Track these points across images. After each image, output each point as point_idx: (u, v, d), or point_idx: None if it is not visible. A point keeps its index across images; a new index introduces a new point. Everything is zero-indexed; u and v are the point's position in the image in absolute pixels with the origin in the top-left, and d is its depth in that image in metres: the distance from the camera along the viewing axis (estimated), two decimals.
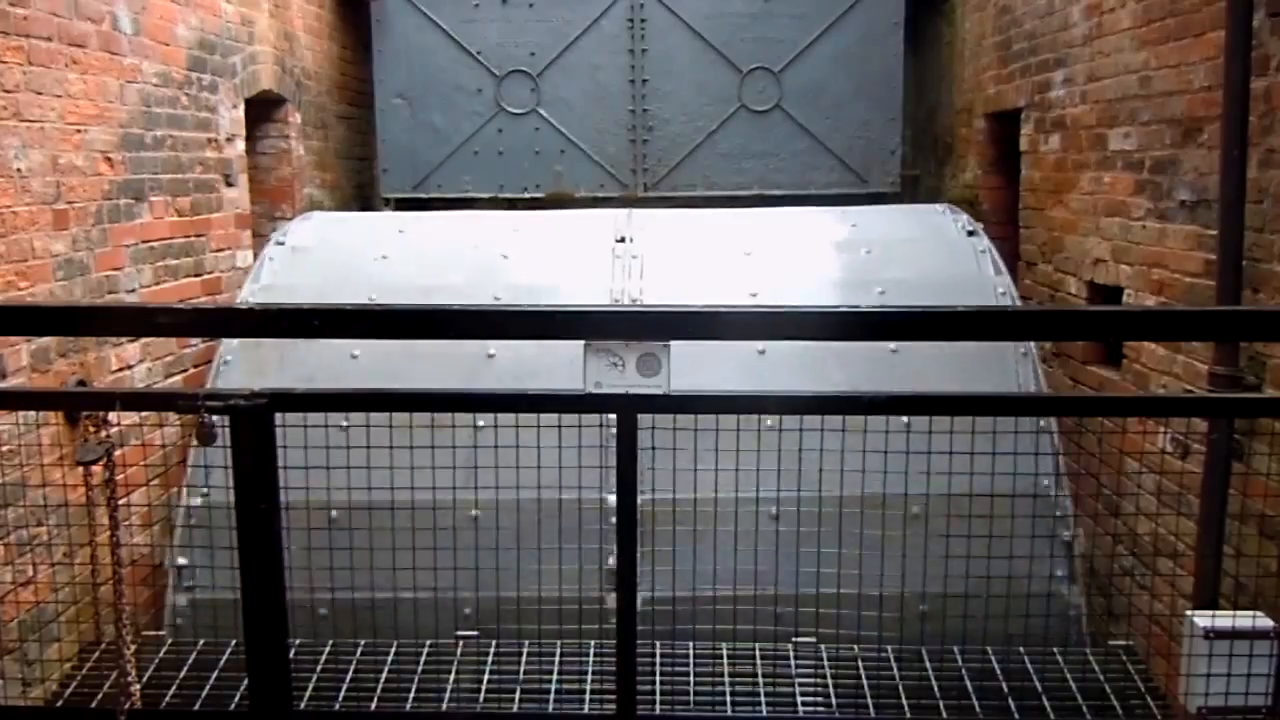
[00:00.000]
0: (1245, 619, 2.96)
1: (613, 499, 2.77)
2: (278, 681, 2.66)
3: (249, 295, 5.35)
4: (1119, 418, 3.74)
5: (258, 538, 2.57)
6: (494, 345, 4.91)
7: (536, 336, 3.22)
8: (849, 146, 7.91)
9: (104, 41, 4.53)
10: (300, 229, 5.94)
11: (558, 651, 4.27)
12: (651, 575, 4.28)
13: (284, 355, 4.94)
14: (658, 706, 3.93)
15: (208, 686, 4.10)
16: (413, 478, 3.31)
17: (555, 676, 4.17)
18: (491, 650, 4.25)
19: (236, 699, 3.85)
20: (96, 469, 2.71)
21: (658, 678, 4.10)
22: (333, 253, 5.72)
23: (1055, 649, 4.31)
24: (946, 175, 7.92)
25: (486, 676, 4.16)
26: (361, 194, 8.38)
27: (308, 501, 3.40)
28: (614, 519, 2.73)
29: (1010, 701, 3.98)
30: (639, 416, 2.64)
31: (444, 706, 3.95)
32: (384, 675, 4.16)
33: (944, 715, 3.96)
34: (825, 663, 4.25)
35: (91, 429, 2.68)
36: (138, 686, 2.87)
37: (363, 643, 4.25)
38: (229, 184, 5.77)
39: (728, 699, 4.05)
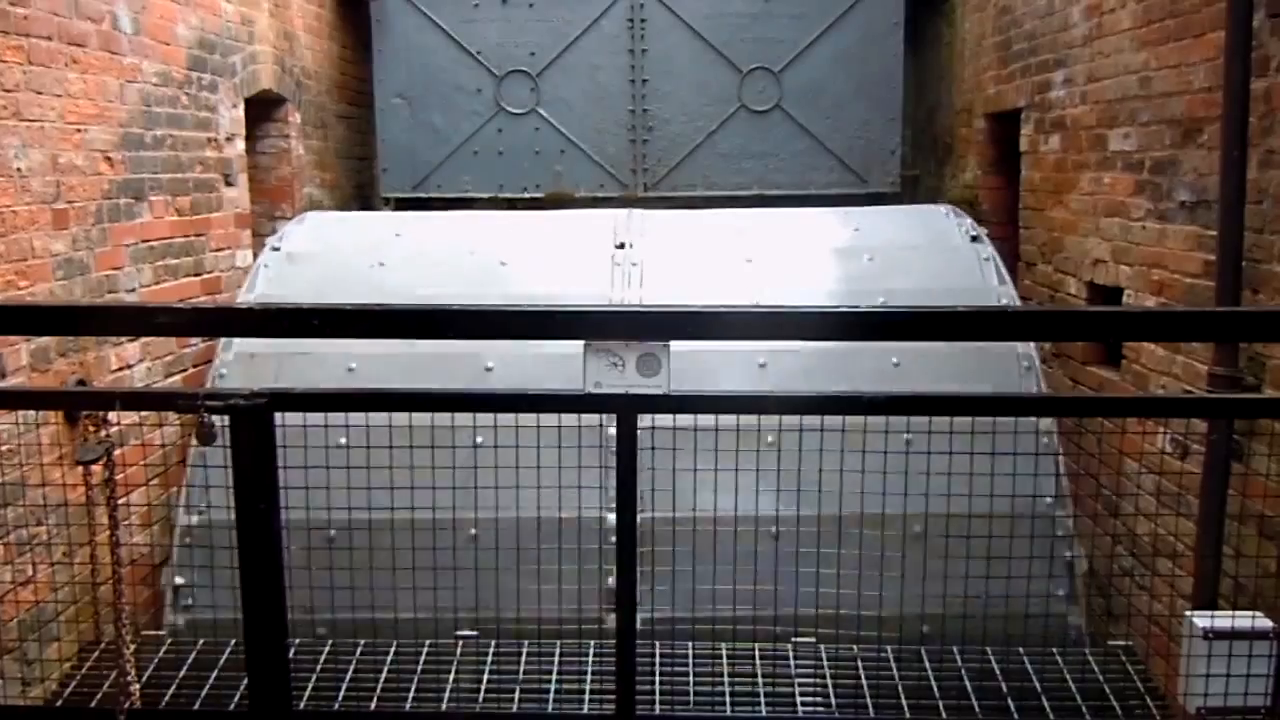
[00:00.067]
0: (1244, 619, 2.96)
1: (612, 517, 2.77)
2: (277, 681, 2.66)
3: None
4: (1118, 418, 3.74)
5: (257, 537, 2.57)
6: (492, 359, 4.89)
7: (536, 336, 3.22)
8: (849, 146, 7.91)
9: (104, 41, 4.53)
10: (296, 233, 5.91)
11: (557, 651, 4.27)
12: (651, 593, 4.29)
13: (280, 368, 4.91)
14: (657, 706, 3.93)
15: (207, 686, 4.10)
16: (412, 497, 3.33)
17: (555, 676, 4.17)
18: (491, 650, 4.25)
19: (236, 699, 3.85)
20: (96, 469, 2.71)
21: (657, 678, 4.10)
22: (328, 260, 5.66)
23: (1054, 649, 4.31)
24: (946, 175, 7.92)
25: (486, 676, 4.16)
26: (361, 194, 8.38)
27: (308, 520, 3.41)
28: (614, 537, 2.73)
29: (1010, 702, 3.98)
30: (639, 423, 2.64)
31: (443, 706, 3.95)
32: (383, 675, 4.16)
33: (943, 715, 3.96)
34: (825, 663, 4.25)
35: (91, 428, 2.68)
36: (137, 686, 2.87)
37: (362, 643, 4.25)
38: (229, 183, 5.77)
39: (727, 699, 4.05)
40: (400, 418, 3.15)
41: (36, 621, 3.94)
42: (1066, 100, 5.65)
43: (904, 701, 4.01)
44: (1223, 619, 2.99)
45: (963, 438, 3.16)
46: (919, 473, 3.20)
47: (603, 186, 7.99)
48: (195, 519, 4.74)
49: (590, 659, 4.20)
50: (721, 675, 4.16)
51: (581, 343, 2.61)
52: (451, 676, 4.16)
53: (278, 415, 2.58)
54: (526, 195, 7.95)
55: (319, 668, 4.20)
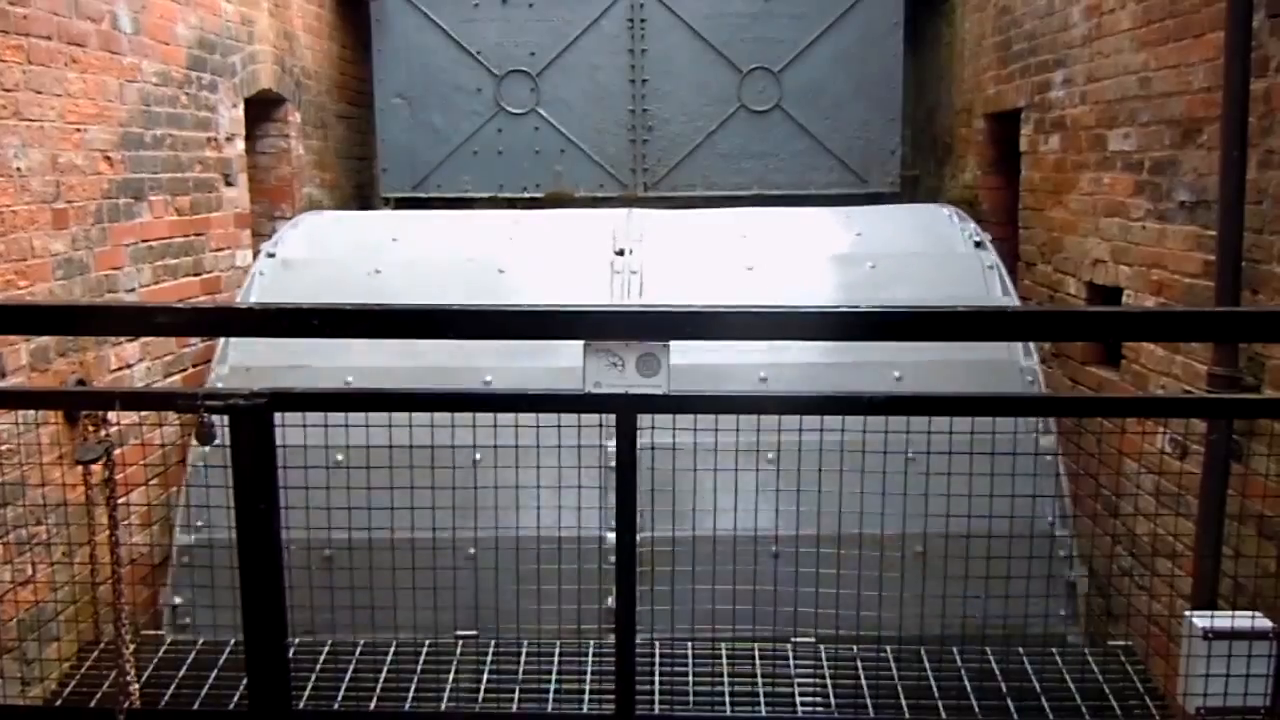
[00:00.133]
0: (1244, 619, 2.96)
1: (611, 536, 2.78)
2: (277, 681, 2.66)
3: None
4: (1118, 418, 3.74)
5: (257, 537, 2.57)
6: (491, 373, 4.86)
7: (536, 336, 3.22)
8: (848, 147, 7.91)
9: (104, 40, 4.53)
10: (291, 238, 5.85)
11: (557, 651, 4.27)
12: (651, 594, 4.30)
13: (275, 383, 4.90)
14: (657, 706, 3.93)
15: (207, 686, 4.10)
16: (412, 517, 3.34)
17: (554, 676, 4.17)
18: (490, 650, 4.25)
19: (236, 698, 3.85)
20: (96, 468, 2.71)
21: (657, 677, 4.10)
22: (324, 267, 5.61)
23: (1054, 649, 4.31)
24: (946, 175, 7.92)
25: (485, 676, 4.16)
26: (361, 194, 8.38)
27: (308, 541, 3.42)
28: (613, 559, 2.73)
29: (1009, 701, 3.98)
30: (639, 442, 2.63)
31: (443, 706, 3.95)
32: (383, 675, 4.16)
33: (943, 715, 3.96)
34: (824, 662, 4.25)
35: (91, 428, 2.68)
36: (137, 686, 2.86)
37: (362, 642, 4.25)
38: (228, 183, 5.77)
39: (727, 699, 4.05)
40: (400, 435, 3.19)
41: (36, 621, 3.94)
42: (1066, 100, 5.65)
43: (904, 701, 4.01)
44: (1222, 619, 2.99)
45: (965, 457, 3.20)
46: (919, 493, 3.23)
47: (602, 186, 7.99)
48: (193, 538, 4.71)
49: (590, 659, 4.20)
50: (721, 675, 4.16)
51: (580, 355, 2.60)
52: (451, 676, 4.16)
53: (277, 420, 2.58)
54: (526, 195, 7.95)
55: (319, 668, 4.20)
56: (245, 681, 2.69)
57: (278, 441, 2.59)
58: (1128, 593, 4.59)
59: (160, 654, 4.43)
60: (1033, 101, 6.13)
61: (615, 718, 2.80)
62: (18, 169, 3.94)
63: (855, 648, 4.24)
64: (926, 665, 4.22)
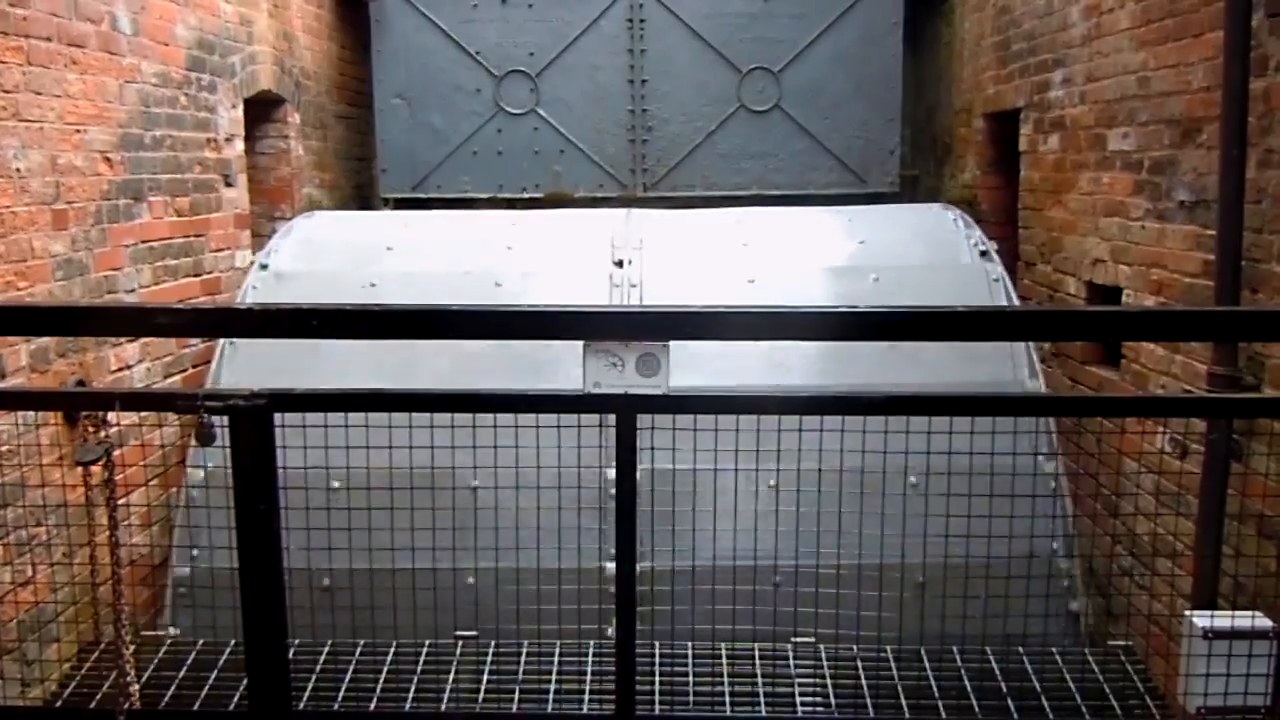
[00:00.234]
0: (1244, 619, 2.96)
1: (611, 566, 2.79)
2: (277, 681, 2.66)
3: (227, 341, 5.18)
4: (1118, 418, 3.74)
5: (257, 538, 2.57)
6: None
7: (536, 336, 3.22)
8: (848, 146, 7.91)
9: (103, 41, 4.53)
10: (284, 248, 5.78)
11: (557, 651, 4.27)
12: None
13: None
14: (657, 707, 3.93)
15: (207, 686, 4.10)
16: (413, 538, 3.38)
17: (554, 676, 4.17)
18: (490, 650, 4.25)
19: (236, 699, 3.85)
20: (96, 469, 2.71)
21: (657, 678, 4.10)
22: (318, 281, 5.54)
23: (1054, 649, 4.31)
24: (945, 175, 7.92)
25: (485, 677, 4.16)
26: (360, 194, 8.38)
27: (309, 567, 3.42)
28: (613, 588, 2.75)
29: (1009, 702, 3.98)
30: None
31: (443, 707, 3.95)
32: (383, 675, 4.16)
33: (943, 715, 3.96)
34: (824, 663, 4.25)
35: (91, 429, 2.67)
36: (137, 687, 2.86)
37: (362, 643, 4.25)
38: (228, 184, 5.77)
39: (727, 699, 4.05)
40: (400, 457, 3.22)
41: (36, 622, 3.94)
42: (1065, 100, 5.65)
43: (904, 701, 4.01)
44: (1222, 618, 2.99)
45: (968, 484, 3.22)
46: (922, 522, 3.24)
47: (602, 186, 7.99)
48: (189, 569, 4.69)
49: (590, 659, 4.20)
50: (721, 675, 4.16)
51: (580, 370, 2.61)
52: (451, 677, 4.16)
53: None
54: (526, 195, 7.95)
55: (318, 668, 4.20)
56: (245, 682, 2.69)
57: (282, 481, 2.61)
58: (1128, 593, 4.59)
59: (160, 654, 4.43)
60: (1032, 101, 6.13)
61: (615, 718, 2.80)
62: (17, 170, 3.94)
63: (855, 648, 4.24)
64: (926, 665, 4.21)
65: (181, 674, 4.22)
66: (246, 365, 5.05)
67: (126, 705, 2.80)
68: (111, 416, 2.68)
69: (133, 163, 4.77)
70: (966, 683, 4.09)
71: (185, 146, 5.28)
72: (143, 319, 3.13)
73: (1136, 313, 3.98)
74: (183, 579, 4.71)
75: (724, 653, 4.26)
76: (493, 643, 4.25)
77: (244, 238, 5.96)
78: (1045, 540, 4.36)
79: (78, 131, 4.34)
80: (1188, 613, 3.11)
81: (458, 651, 4.26)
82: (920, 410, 2.95)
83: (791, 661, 4.27)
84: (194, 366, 5.35)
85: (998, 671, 4.10)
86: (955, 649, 4.21)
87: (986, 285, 5.39)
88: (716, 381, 4.44)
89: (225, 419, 2.55)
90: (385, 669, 4.19)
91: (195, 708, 3.95)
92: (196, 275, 5.41)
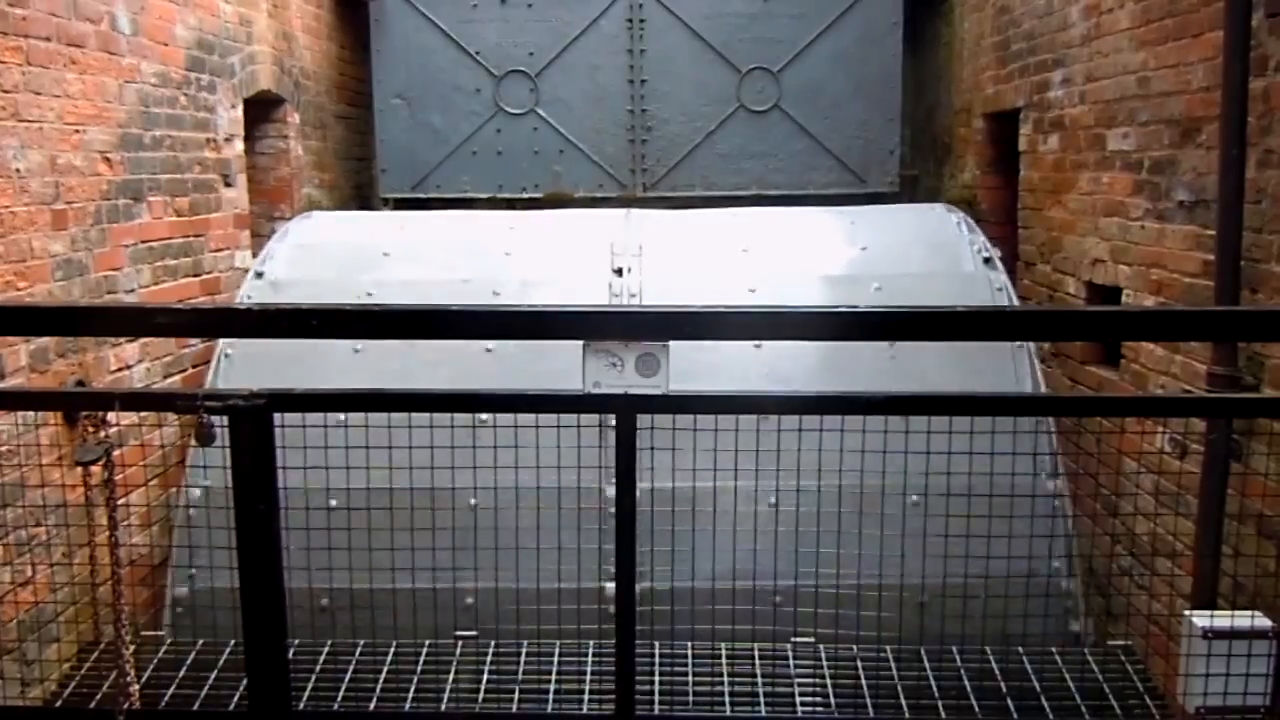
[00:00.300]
0: (1243, 619, 2.97)
1: (610, 586, 2.79)
2: (276, 681, 2.66)
3: (226, 347, 5.15)
4: (1117, 418, 3.74)
5: (257, 538, 2.57)
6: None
7: (536, 336, 3.21)
8: (848, 146, 7.91)
9: (102, 41, 4.53)
10: (280, 254, 5.74)
11: (556, 651, 4.27)
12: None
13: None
14: (656, 707, 3.94)
15: (206, 686, 4.10)
16: (413, 558, 3.38)
17: (554, 676, 4.17)
18: (490, 650, 4.25)
19: (235, 699, 3.85)
20: (95, 469, 2.71)
21: (656, 678, 4.10)
22: (314, 290, 5.49)
23: (1054, 649, 4.31)
24: (945, 175, 7.92)
25: (485, 676, 4.16)
26: (360, 194, 8.37)
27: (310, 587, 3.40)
28: (612, 607, 2.75)
29: (1009, 701, 3.98)
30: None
31: (443, 706, 3.95)
32: (383, 675, 4.16)
33: (943, 715, 3.96)
34: (824, 663, 4.25)
35: (90, 429, 2.67)
36: (136, 686, 2.86)
37: (362, 643, 4.25)
38: (227, 184, 5.77)
39: (726, 699, 4.05)
40: (400, 476, 3.25)
41: (36, 622, 3.94)
42: (1065, 100, 5.65)
43: (903, 701, 4.02)
44: (1222, 618, 2.99)
45: (970, 505, 3.23)
46: (925, 543, 3.23)
47: (601, 186, 7.99)
48: (187, 588, 4.67)
49: (590, 659, 4.20)
50: (721, 675, 4.16)
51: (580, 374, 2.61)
52: (451, 677, 4.16)
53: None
54: (525, 195, 7.95)
55: (318, 668, 4.20)
56: (245, 682, 2.69)
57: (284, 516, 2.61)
58: (1128, 592, 4.59)
59: (160, 654, 4.43)
60: (1031, 101, 6.13)
61: (615, 718, 2.80)
62: (17, 170, 3.94)
63: (855, 648, 4.25)
64: (926, 665, 4.22)
65: (181, 674, 4.22)
66: (244, 380, 5.04)
67: (126, 705, 2.80)
68: (111, 416, 2.68)
69: (132, 163, 4.77)
70: (966, 683, 4.09)
71: (185, 146, 5.28)
72: (142, 319, 3.13)
73: (1136, 313, 3.98)
74: (181, 598, 4.69)
75: (723, 653, 4.26)
76: (492, 643, 4.25)
77: (243, 238, 5.96)
78: (1048, 560, 4.34)
79: (77, 131, 4.34)
80: (1187, 613, 3.11)
81: (457, 652, 4.26)
82: (920, 410, 2.94)
83: (791, 661, 4.27)
84: (194, 366, 5.35)
85: (997, 671, 4.11)
86: (955, 649, 4.21)
87: (990, 295, 5.34)
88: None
89: (225, 419, 2.55)
90: (385, 669, 4.19)
91: (195, 708, 3.95)
92: (196, 275, 5.41)
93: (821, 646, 4.30)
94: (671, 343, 2.56)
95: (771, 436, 3.05)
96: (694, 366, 2.81)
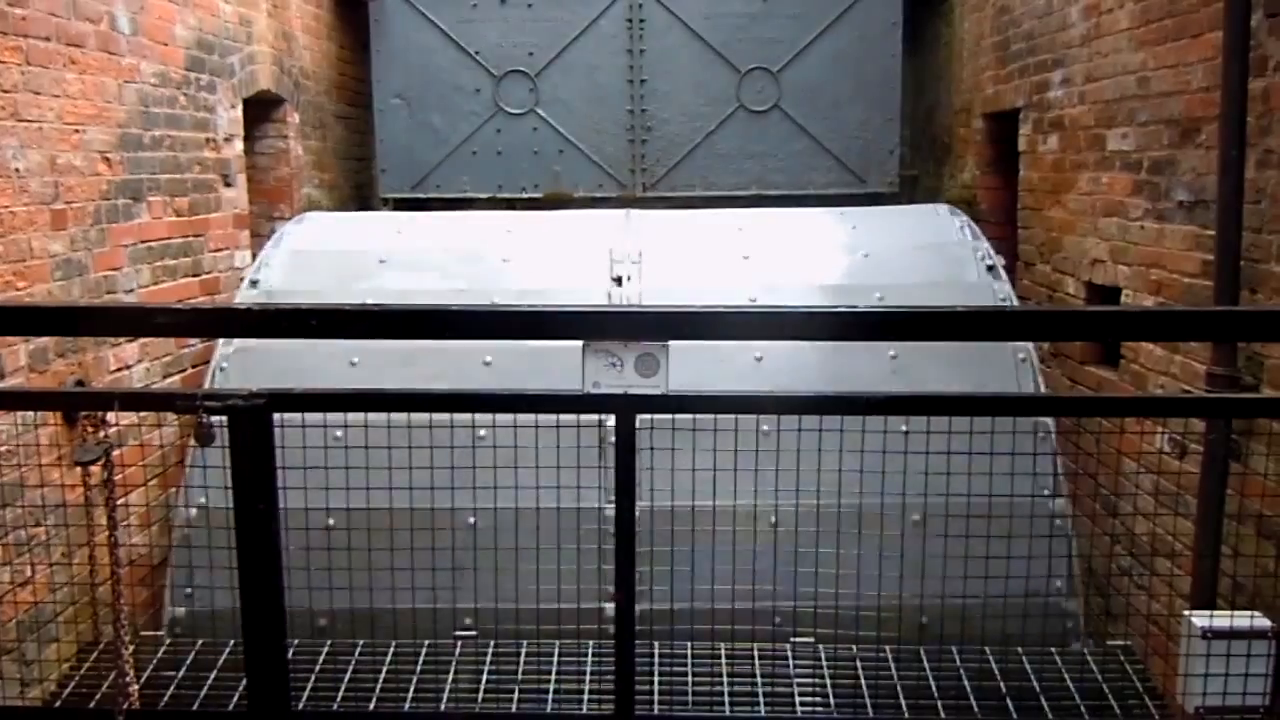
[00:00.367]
0: (1243, 619, 2.96)
1: (610, 607, 2.79)
2: (276, 682, 2.66)
3: (221, 359, 5.12)
4: (1117, 418, 3.74)
5: (256, 538, 2.57)
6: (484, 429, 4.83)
7: (535, 336, 3.21)
8: (847, 147, 7.90)
9: (102, 41, 4.53)
10: (275, 261, 5.69)
11: (556, 652, 4.27)
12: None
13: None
14: (656, 707, 3.93)
15: (206, 687, 4.10)
16: (413, 578, 3.39)
17: (553, 677, 4.17)
18: (490, 650, 4.25)
19: (235, 699, 3.85)
20: (95, 469, 2.71)
21: (656, 678, 4.10)
22: (309, 299, 5.33)
23: (1053, 649, 4.31)
24: (945, 175, 7.92)
25: (485, 677, 4.16)
26: (360, 194, 8.37)
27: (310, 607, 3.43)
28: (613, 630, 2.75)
29: (1009, 702, 3.98)
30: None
31: (442, 707, 3.95)
32: (382, 675, 4.16)
33: (942, 716, 3.96)
34: (824, 663, 4.25)
35: (90, 429, 2.67)
36: (136, 687, 2.86)
37: (361, 643, 4.25)
38: (227, 184, 5.77)
39: (726, 699, 4.05)
40: (400, 497, 3.24)
41: (35, 622, 3.94)
42: (1065, 100, 5.65)
43: (903, 702, 4.02)
44: (1221, 618, 2.99)
45: (960, 524, 3.24)
46: (927, 563, 3.26)
47: (601, 186, 7.98)
48: (184, 609, 4.65)
49: (589, 659, 4.20)
50: (720, 675, 4.16)
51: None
52: (450, 676, 4.16)
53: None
54: (525, 195, 7.95)
55: (317, 668, 4.20)
56: (245, 682, 2.69)
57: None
58: (1127, 593, 4.59)
59: (160, 654, 4.43)
60: (1031, 101, 6.13)
61: (615, 718, 2.80)
62: (16, 170, 3.94)
63: (855, 648, 4.25)
64: (926, 665, 4.22)
65: (181, 674, 4.22)
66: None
67: (126, 705, 2.80)
68: (111, 416, 2.68)
69: (132, 163, 4.77)
70: (966, 683, 4.10)
71: (184, 146, 5.27)
72: (142, 319, 3.13)
73: (1136, 313, 3.98)
74: (178, 619, 4.67)
75: (723, 652, 4.26)
76: (492, 642, 4.25)
77: (243, 238, 5.96)
78: (1050, 581, 4.30)
79: (76, 131, 4.34)
80: (1187, 613, 3.11)
81: (457, 651, 4.26)
82: (919, 410, 2.95)
83: (791, 661, 4.27)
84: (193, 366, 5.35)
85: (997, 671, 4.11)
86: (954, 649, 4.21)
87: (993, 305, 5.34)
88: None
89: (224, 419, 2.55)
90: (384, 669, 4.19)
91: (194, 708, 3.95)
92: (195, 275, 5.41)
93: (821, 647, 4.30)
94: (670, 360, 2.56)
95: (771, 441, 3.05)
96: (695, 378, 2.80)
